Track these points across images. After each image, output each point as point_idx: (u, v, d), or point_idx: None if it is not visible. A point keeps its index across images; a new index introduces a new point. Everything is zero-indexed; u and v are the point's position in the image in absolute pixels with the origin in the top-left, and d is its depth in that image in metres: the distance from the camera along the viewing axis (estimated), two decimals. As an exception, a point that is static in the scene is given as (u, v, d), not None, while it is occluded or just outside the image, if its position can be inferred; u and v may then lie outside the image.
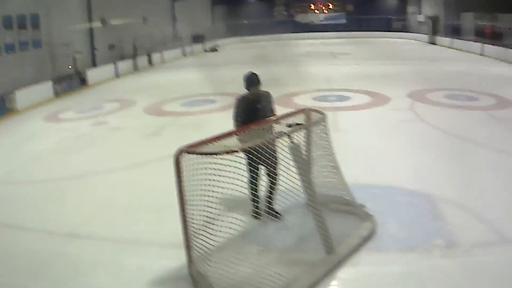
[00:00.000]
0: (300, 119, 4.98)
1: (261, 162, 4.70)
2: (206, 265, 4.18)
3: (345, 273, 4.55)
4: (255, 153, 4.56)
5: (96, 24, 20.24)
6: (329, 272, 4.52)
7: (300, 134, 4.84)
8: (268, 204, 5.22)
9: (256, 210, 5.13)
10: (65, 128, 11.00)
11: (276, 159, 4.81)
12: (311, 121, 4.98)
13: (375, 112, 10.43)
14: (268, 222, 5.18)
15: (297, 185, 4.64)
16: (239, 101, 5.13)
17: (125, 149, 8.65)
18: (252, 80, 5.06)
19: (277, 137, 4.58)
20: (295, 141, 4.63)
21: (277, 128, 4.71)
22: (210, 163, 4.02)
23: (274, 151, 4.75)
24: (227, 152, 4.05)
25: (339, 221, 5.06)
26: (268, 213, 5.14)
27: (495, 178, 6.59)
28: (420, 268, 4.70)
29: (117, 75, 19.64)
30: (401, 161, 7.14)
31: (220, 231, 4.28)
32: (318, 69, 18.27)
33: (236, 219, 4.58)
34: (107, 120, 11.19)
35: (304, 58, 22.82)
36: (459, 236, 5.19)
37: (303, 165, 4.66)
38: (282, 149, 4.62)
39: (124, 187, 6.63)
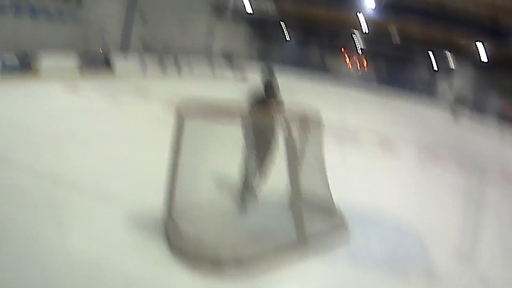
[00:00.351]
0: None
1: (257, 146, 5.13)
2: (182, 223, 4.54)
3: (318, 268, 4.81)
4: (254, 133, 5.01)
5: (136, 17, 20.90)
6: (297, 259, 4.81)
7: (297, 131, 5.18)
8: (248, 187, 5.46)
9: (243, 196, 5.42)
10: (80, 101, 11.61)
11: (271, 147, 5.25)
12: (309, 122, 5.31)
13: (380, 155, 10.85)
14: (250, 210, 5.50)
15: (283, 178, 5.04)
16: (251, 93, 5.47)
17: (132, 132, 9.06)
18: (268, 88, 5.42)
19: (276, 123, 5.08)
20: (292, 134, 4.95)
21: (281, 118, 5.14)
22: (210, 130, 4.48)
23: (272, 139, 5.20)
24: (227, 114, 4.40)
25: (316, 221, 5.37)
26: (246, 193, 5.45)
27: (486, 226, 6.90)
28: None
29: (144, 71, 20.18)
30: (397, 197, 7.49)
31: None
32: (333, 113, 18.50)
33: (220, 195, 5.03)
34: (123, 106, 11.75)
35: (325, 101, 23.08)
36: (439, 268, 5.36)
37: (294, 159, 4.98)
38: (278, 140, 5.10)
39: (121, 157, 7.05)
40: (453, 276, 5.20)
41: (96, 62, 17.08)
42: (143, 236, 4.63)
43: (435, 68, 37.12)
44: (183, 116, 4.41)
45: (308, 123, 5.36)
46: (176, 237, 4.46)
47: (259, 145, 5.16)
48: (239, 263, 4.36)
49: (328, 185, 5.57)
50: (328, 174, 5.65)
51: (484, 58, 23.30)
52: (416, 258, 5.52)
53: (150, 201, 5.12)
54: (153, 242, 4.52)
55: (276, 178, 5.31)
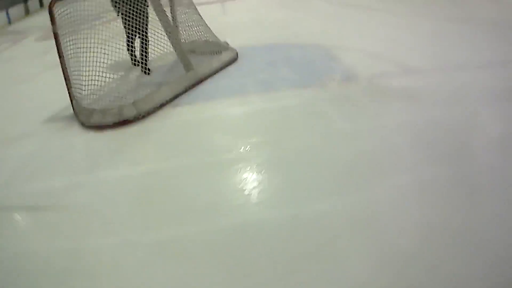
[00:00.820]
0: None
1: (134, 27, 5.69)
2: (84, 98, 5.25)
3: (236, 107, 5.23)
4: (129, 17, 5.55)
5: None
6: (190, 87, 5.69)
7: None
8: (141, 60, 6.09)
9: (134, 61, 6.10)
10: None
11: (146, 23, 5.88)
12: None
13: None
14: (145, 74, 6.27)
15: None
16: None
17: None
18: None
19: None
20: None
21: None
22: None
23: (144, 16, 5.79)
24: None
25: (206, 60, 6.18)
26: (141, 67, 6.16)
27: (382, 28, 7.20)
28: (318, 99, 5.05)
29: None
30: (291, 27, 7.74)
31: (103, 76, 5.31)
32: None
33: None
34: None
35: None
36: (357, 71, 5.62)
37: (164, 16, 5.63)
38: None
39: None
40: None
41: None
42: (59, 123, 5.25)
43: None
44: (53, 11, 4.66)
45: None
46: (84, 113, 5.05)
47: (130, 11, 5.59)
48: (140, 116, 5.04)
49: (208, 28, 6.35)
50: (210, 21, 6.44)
51: None
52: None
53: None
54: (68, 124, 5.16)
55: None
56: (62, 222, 3.46)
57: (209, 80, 5.72)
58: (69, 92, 4.89)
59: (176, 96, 5.20)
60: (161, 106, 5.01)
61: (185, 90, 5.35)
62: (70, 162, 4.29)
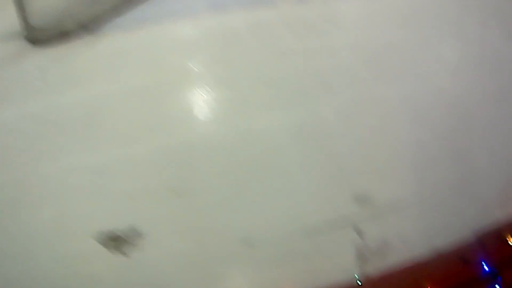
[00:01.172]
0: None
1: None
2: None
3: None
4: None
5: None
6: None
7: None
8: None
9: None
10: None
11: None
12: None
13: None
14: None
15: None
16: None
17: None
18: None
19: None
20: None
21: None
22: None
23: None
24: None
25: None
26: None
27: None
28: (269, 19, 4.87)
29: None
30: None
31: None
32: None
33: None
34: None
35: None
36: None
37: None
38: None
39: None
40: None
41: None
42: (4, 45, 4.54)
43: None
44: None
45: None
46: (32, 33, 4.54)
47: None
48: (83, 27, 4.62)
49: None
50: None
51: None
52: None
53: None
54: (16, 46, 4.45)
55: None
56: (10, 152, 3.29)
57: (156, 1, 5.43)
58: (19, 13, 4.58)
59: (117, 9, 4.93)
60: (101, 19, 4.78)
61: (126, 3, 5.07)
62: (17, 88, 4.02)
